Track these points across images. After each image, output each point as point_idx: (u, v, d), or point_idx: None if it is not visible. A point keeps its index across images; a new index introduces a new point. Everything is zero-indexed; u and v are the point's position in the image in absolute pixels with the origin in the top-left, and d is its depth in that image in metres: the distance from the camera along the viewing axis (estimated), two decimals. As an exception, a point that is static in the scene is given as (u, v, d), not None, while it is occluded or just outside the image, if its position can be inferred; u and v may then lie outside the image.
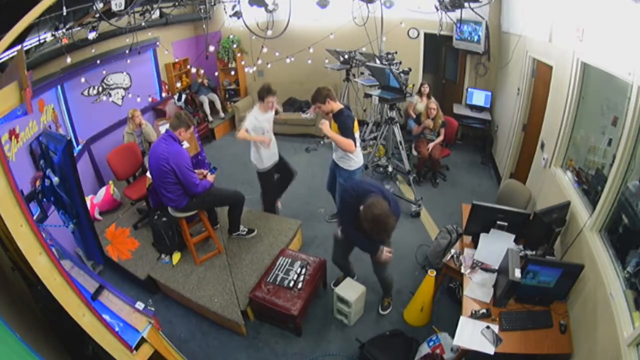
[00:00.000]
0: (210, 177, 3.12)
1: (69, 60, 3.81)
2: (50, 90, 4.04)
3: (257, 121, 3.39)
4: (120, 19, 3.65)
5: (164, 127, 5.08)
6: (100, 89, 4.89)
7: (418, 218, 4.19)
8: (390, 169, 4.66)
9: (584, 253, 2.25)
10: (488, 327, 2.17)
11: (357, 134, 3.18)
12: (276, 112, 3.64)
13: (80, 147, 4.51)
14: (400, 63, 4.37)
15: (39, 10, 1.36)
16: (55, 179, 1.92)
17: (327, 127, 3.05)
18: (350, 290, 2.89)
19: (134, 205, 4.19)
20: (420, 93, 5.50)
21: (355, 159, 3.26)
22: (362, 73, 5.51)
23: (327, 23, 5.59)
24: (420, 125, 4.81)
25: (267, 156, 3.56)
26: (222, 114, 6.80)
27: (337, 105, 3.14)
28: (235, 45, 6.58)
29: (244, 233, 3.58)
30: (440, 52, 6.41)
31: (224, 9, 4.81)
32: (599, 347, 1.85)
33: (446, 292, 3.16)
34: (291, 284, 2.91)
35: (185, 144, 4.46)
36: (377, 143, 4.80)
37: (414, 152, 5.17)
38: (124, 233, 3.81)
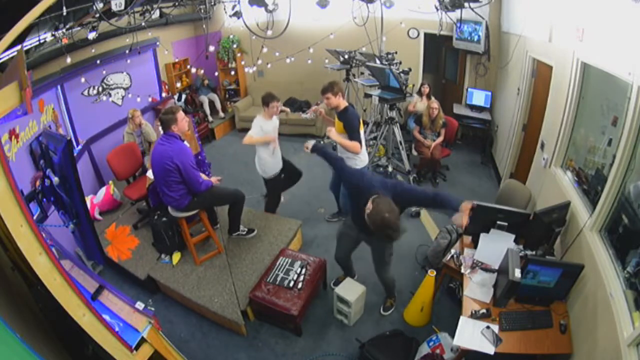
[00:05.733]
0: (214, 180, 3.14)
1: (69, 60, 3.81)
2: (50, 90, 4.03)
3: (263, 131, 3.40)
4: (120, 19, 3.65)
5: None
6: (100, 89, 4.89)
7: (418, 218, 4.19)
8: (390, 169, 4.66)
9: (584, 253, 2.25)
10: (488, 327, 2.17)
11: (362, 132, 3.20)
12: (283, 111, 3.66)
13: (80, 147, 4.51)
14: (400, 63, 4.38)
15: (39, 10, 1.36)
16: (55, 179, 1.92)
17: (334, 134, 3.08)
18: (350, 290, 2.89)
19: (134, 205, 4.19)
20: (420, 93, 5.50)
21: (360, 158, 3.28)
22: (362, 73, 5.52)
23: (327, 23, 5.59)
24: (421, 125, 4.82)
25: (271, 165, 3.57)
26: (221, 114, 6.79)
27: (343, 103, 3.17)
28: (235, 45, 6.58)
29: (244, 233, 3.58)
30: (440, 52, 6.41)
31: (224, 9, 4.81)
32: (599, 347, 1.85)
33: (446, 292, 3.16)
34: (291, 284, 2.91)
35: (185, 144, 4.46)
36: (377, 143, 4.81)
37: (414, 152, 5.18)
38: (124, 232, 3.81)
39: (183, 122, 2.84)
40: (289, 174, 3.87)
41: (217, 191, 3.22)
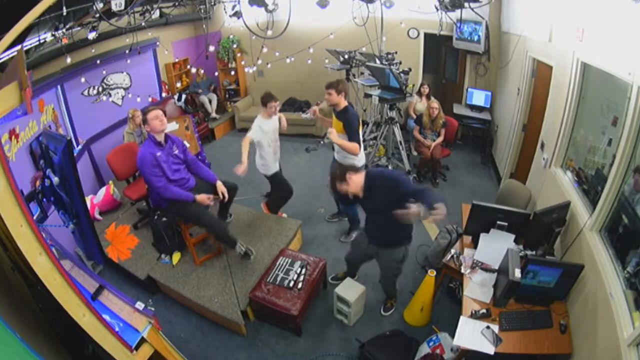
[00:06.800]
0: (200, 197, 2.91)
1: (69, 60, 3.81)
2: (50, 90, 4.03)
3: (263, 132, 3.39)
4: (120, 19, 3.65)
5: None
6: (100, 89, 4.89)
7: (418, 218, 4.19)
8: (390, 169, 4.67)
9: (584, 253, 2.25)
10: (488, 327, 2.17)
11: (360, 132, 3.21)
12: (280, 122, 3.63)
13: (80, 147, 4.51)
14: (400, 63, 4.38)
15: (39, 10, 1.36)
16: (55, 179, 1.92)
17: (335, 136, 3.07)
18: (350, 290, 2.89)
19: (134, 205, 4.19)
20: (420, 93, 5.50)
21: (358, 158, 3.28)
22: (362, 73, 5.52)
23: (327, 23, 5.59)
24: (421, 125, 4.83)
25: (273, 161, 3.59)
26: (214, 115, 6.65)
27: (343, 103, 3.18)
28: (235, 45, 6.59)
29: (242, 253, 3.23)
30: (440, 52, 6.41)
31: (224, 9, 4.81)
32: (599, 347, 1.85)
33: (446, 292, 3.16)
34: (291, 284, 2.91)
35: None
36: (377, 143, 4.81)
37: (414, 152, 5.18)
38: (124, 231, 3.81)
39: (154, 122, 2.75)
40: (281, 189, 3.84)
41: (195, 210, 2.96)
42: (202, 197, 2.93)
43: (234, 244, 3.18)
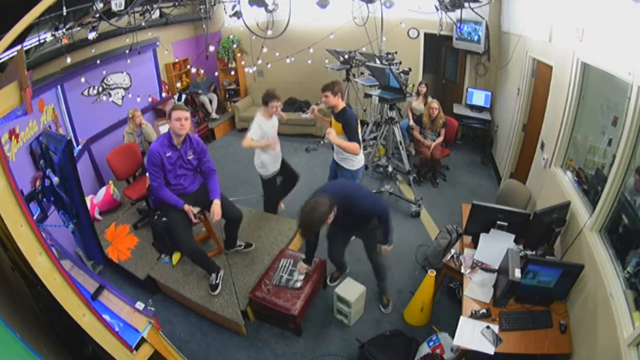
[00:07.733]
0: (187, 208, 2.80)
1: (69, 60, 3.81)
2: (50, 90, 4.03)
3: (262, 130, 3.36)
4: (120, 19, 3.65)
5: (164, 127, 5.08)
6: (100, 89, 4.89)
7: (418, 218, 4.19)
8: (390, 169, 4.66)
9: (584, 253, 2.25)
10: (488, 327, 2.17)
11: (360, 132, 3.20)
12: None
13: (80, 147, 4.51)
14: (400, 63, 4.37)
15: (39, 10, 1.36)
16: (55, 179, 1.92)
17: (334, 136, 3.05)
18: (350, 290, 2.89)
19: (134, 205, 4.19)
20: (417, 92, 5.50)
21: (357, 159, 3.27)
22: (362, 73, 5.52)
23: (327, 23, 5.59)
24: (421, 125, 4.83)
25: (270, 163, 3.53)
26: (214, 115, 6.68)
27: (341, 104, 3.16)
28: (235, 45, 6.59)
29: (241, 247, 3.39)
30: (440, 52, 6.41)
31: (224, 9, 4.81)
32: (599, 347, 1.85)
33: (446, 292, 3.16)
34: (297, 285, 2.91)
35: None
36: (377, 143, 4.80)
37: (412, 151, 5.18)
38: (124, 231, 3.81)
39: (174, 122, 2.65)
40: (287, 178, 3.83)
41: (172, 221, 2.81)
42: (189, 208, 2.79)
43: (211, 271, 3.05)
